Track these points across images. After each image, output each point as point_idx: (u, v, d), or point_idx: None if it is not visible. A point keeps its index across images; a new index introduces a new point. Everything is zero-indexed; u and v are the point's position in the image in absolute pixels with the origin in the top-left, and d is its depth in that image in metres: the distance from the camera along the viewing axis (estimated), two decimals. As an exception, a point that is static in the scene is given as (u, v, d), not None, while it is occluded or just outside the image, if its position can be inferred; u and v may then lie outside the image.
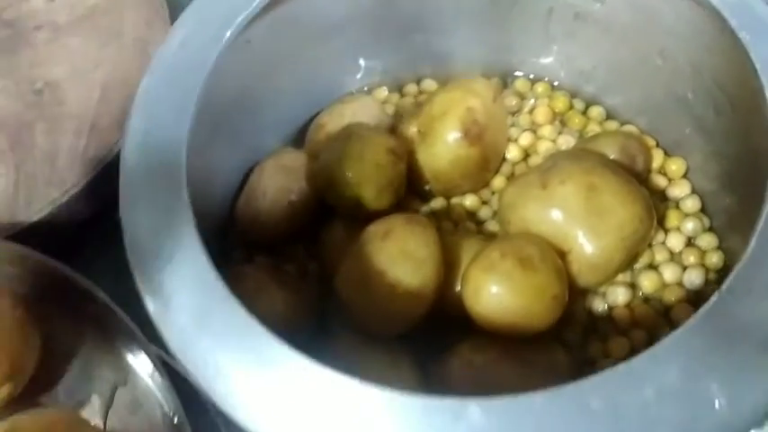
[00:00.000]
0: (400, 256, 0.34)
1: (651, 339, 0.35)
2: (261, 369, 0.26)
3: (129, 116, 0.33)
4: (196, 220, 0.30)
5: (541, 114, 0.44)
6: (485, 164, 0.41)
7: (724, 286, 0.26)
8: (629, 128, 0.43)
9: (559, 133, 0.44)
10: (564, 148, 0.43)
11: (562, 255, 0.35)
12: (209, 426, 0.38)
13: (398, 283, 0.33)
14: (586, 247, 0.34)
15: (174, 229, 0.29)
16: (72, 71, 0.51)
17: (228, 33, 0.34)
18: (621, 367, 0.25)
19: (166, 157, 0.31)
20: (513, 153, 0.43)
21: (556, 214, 0.35)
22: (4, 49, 0.52)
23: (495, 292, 0.33)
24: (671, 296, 0.37)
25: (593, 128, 0.44)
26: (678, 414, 0.24)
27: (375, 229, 0.35)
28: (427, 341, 0.35)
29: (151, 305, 0.28)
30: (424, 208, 0.42)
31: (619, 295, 0.37)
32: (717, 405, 0.24)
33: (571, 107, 0.45)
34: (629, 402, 0.24)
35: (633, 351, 0.35)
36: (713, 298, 0.26)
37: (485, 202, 0.42)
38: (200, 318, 0.27)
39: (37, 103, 0.50)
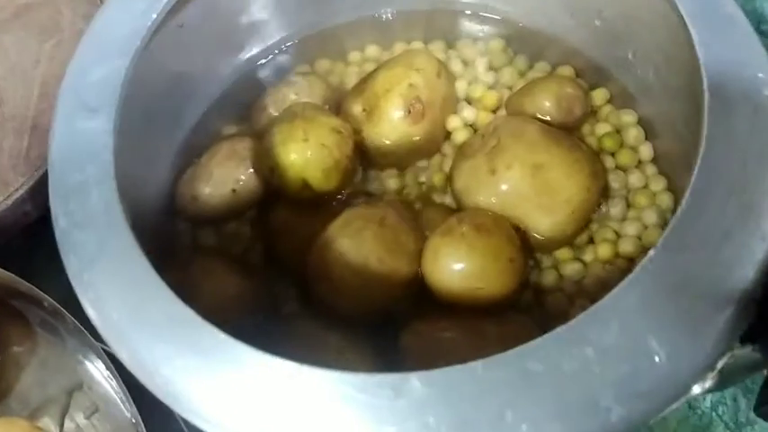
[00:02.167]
0: (395, 245, 0.35)
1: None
2: (199, 359, 0.26)
3: (55, 106, 0.32)
4: (129, 208, 0.30)
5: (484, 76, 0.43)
6: (431, 139, 0.41)
7: (660, 241, 0.26)
8: (564, 69, 0.43)
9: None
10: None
11: (517, 231, 0.35)
12: (172, 425, 0.37)
13: (390, 269, 0.34)
14: (539, 224, 0.36)
15: (105, 221, 0.28)
16: (9, 70, 0.49)
17: (155, 16, 0.33)
18: (561, 329, 0.25)
19: (94, 148, 0.30)
20: (455, 123, 0.42)
21: (506, 199, 0.36)
22: (-61, 51, 0.51)
23: (451, 254, 0.33)
24: (629, 247, 0.37)
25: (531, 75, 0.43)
26: (619, 371, 0.24)
27: (366, 213, 0.36)
28: (387, 321, 0.35)
29: (85, 301, 0.27)
30: (377, 185, 0.41)
31: (578, 261, 0.37)
32: (657, 359, 0.24)
33: (510, 62, 0.44)
34: (570, 363, 0.24)
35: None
36: (650, 253, 0.26)
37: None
38: (134, 311, 0.27)
39: (-25, 106, 0.49)
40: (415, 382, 0.23)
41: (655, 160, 0.39)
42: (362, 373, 0.24)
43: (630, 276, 0.25)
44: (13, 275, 0.38)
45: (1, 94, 0.49)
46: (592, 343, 0.24)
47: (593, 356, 0.24)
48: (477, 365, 0.24)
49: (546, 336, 0.25)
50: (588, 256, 0.37)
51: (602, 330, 0.24)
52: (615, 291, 0.25)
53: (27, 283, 0.37)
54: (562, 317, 0.35)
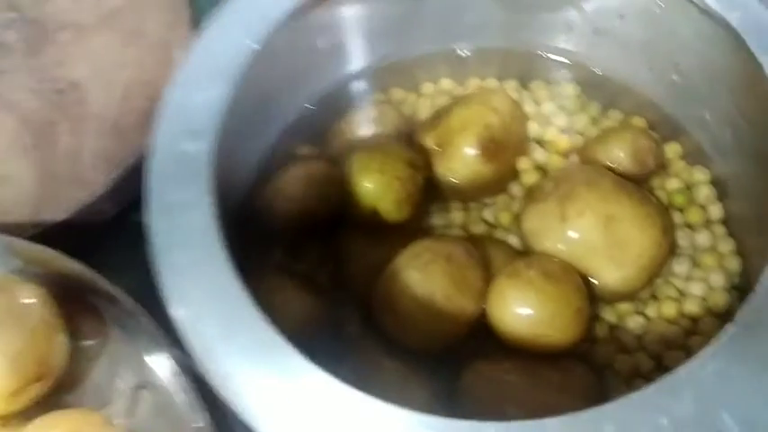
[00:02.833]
0: (462, 282, 0.35)
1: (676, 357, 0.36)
2: (283, 383, 0.27)
3: (156, 120, 0.34)
4: (221, 225, 0.31)
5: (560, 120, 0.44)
6: (500, 178, 0.42)
7: (737, 316, 0.27)
8: (637, 120, 0.44)
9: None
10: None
11: (584, 281, 0.36)
12: (227, 428, 0.38)
13: (455, 306, 0.35)
14: (607, 277, 0.36)
15: (201, 241, 0.30)
16: (95, 71, 0.52)
17: (255, 46, 0.35)
18: (636, 395, 0.25)
19: (195, 169, 0.32)
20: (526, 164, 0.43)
21: (576, 247, 0.36)
22: (29, 49, 0.53)
23: (518, 298, 0.34)
24: (693, 307, 0.37)
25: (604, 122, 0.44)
26: (691, 443, 0.24)
27: (434, 246, 0.36)
28: (447, 355, 0.36)
29: (177, 313, 0.29)
30: (440, 219, 0.42)
31: (641, 315, 0.38)
32: (730, 435, 0.24)
33: (583, 108, 0.45)
34: (644, 430, 0.25)
35: (661, 369, 0.36)
36: (727, 327, 0.27)
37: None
38: (226, 329, 0.28)
39: (60, 103, 0.51)
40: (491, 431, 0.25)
41: (725, 221, 0.39)
42: (444, 417, 0.25)
43: (707, 348, 0.26)
44: (94, 272, 0.39)
45: (86, 95, 0.51)
46: (666, 412, 0.25)
47: (667, 426, 0.25)
48: (554, 423, 0.25)
49: (621, 400, 0.25)
50: (651, 312, 0.38)
51: (677, 400, 0.25)
52: (691, 362, 0.26)
53: (107, 282, 0.39)
54: (621, 370, 0.36)
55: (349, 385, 0.27)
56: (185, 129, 0.33)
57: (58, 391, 0.38)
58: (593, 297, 0.37)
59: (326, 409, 0.27)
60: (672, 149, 0.42)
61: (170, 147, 0.33)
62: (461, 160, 0.40)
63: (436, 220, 0.42)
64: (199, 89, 0.34)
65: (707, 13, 0.37)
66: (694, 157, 0.42)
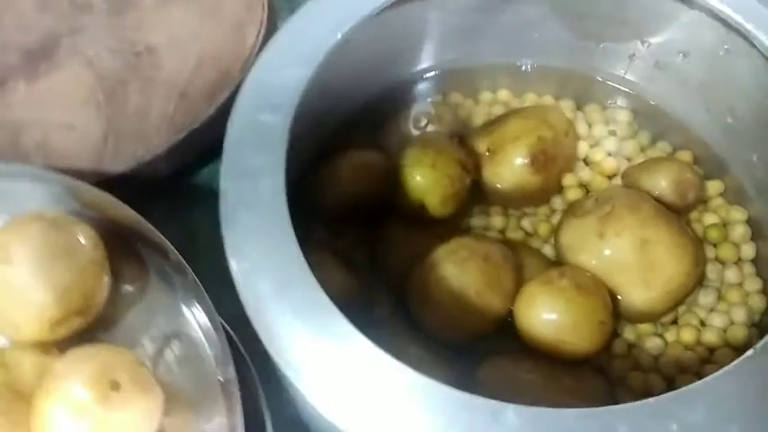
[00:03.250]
0: (495, 282, 0.37)
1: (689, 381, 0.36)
2: (327, 344, 0.29)
3: (239, 97, 0.36)
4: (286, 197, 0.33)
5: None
6: (545, 190, 0.43)
7: (760, 344, 0.28)
8: (683, 154, 0.45)
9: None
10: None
11: (611, 297, 0.37)
12: (247, 390, 0.40)
13: (485, 304, 0.36)
14: (634, 296, 0.37)
15: (269, 205, 0.32)
16: (171, 39, 0.54)
17: (340, 36, 0.37)
18: (650, 401, 0.27)
19: (271, 140, 0.34)
20: (570, 181, 0.44)
21: (609, 264, 0.37)
22: (113, 10, 0.56)
23: (547, 303, 0.36)
24: (712, 337, 0.38)
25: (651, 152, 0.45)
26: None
27: (473, 245, 0.38)
28: (470, 348, 0.38)
29: (235, 266, 0.31)
30: (480, 221, 0.44)
31: (660, 337, 0.39)
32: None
33: (633, 135, 0.46)
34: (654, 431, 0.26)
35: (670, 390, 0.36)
36: (748, 353, 0.28)
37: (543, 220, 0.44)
38: (279, 288, 0.30)
39: (135, 65, 0.53)
40: (510, 413, 0.26)
41: (755, 261, 0.40)
42: (467, 393, 0.27)
43: (726, 368, 0.27)
44: (147, 223, 0.41)
45: (160, 60, 0.54)
46: (677, 419, 0.26)
47: (676, 430, 0.26)
48: (569, 413, 0.26)
49: (636, 403, 0.27)
50: (670, 336, 0.39)
51: (689, 410, 0.26)
52: (708, 378, 0.27)
53: (158, 233, 0.40)
54: (633, 387, 0.37)
55: (388, 354, 0.29)
56: (266, 102, 0.35)
57: (94, 329, 0.40)
58: (617, 314, 0.38)
59: (364, 373, 0.29)
60: (714, 186, 0.43)
61: (250, 116, 0.35)
62: (510, 168, 0.42)
63: (476, 221, 0.43)
64: (282, 68, 0.36)
65: (770, 61, 0.38)
66: (735, 196, 0.43)
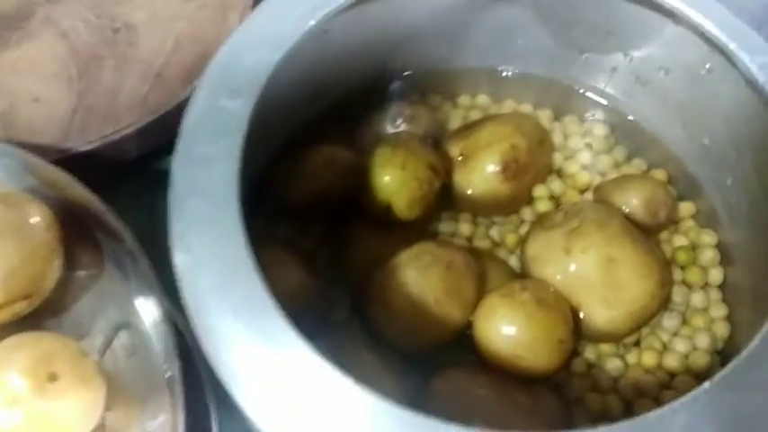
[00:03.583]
0: (455, 291, 0.36)
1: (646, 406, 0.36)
2: (266, 350, 0.28)
3: (203, 74, 0.35)
4: (240, 187, 0.31)
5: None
6: (514, 199, 0.42)
7: (717, 377, 0.27)
8: (658, 172, 0.44)
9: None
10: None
11: (573, 314, 0.36)
12: (195, 385, 0.39)
13: (444, 313, 0.35)
14: (596, 315, 0.37)
15: (220, 195, 0.30)
16: (151, 17, 0.53)
17: (312, 23, 0.36)
18: (603, 429, 0.26)
19: (228, 127, 0.32)
20: (541, 192, 0.43)
21: (573, 280, 0.37)
22: (94, -18, 0.54)
23: (506, 316, 0.35)
24: (673, 362, 0.38)
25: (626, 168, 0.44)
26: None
27: (436, 251, 0.37)
28: (425, 358, 0.37)
29: (179, 259, 0.30)
30: (448, 227, 0.43)
31: (621, 359, 0.38)
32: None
33: (609, 150, 0.45)
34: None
35: (629, 414, 0.36)
36: (704, 385, 0.27)
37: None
38: (221, 284, 0.29)
39: (112, 41, 0.52)
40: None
41: (722, 287, 0.40)
42: (409, 410, 0.26)
43: (681, 399, 0.26)
44: (105, 207, 0.40)
45: (138, 38, 0.52)
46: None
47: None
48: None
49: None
50: (631, 358, 0.38)
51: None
52: (662, 409, 0.26)
53: (115, 218, 0.39)
54: (590, 407, 0.37)
55: (329, 363, 0.28)
56: (228, 87, 0.33)
57: (41, 315, 0.39)
58: (578, 332, 0.37)
59: (302, 383, 0.27)
60: (686, 208, 0.42)
61: (210, 101, 0.33)
62: (481, 174, 0.41)
63: (444, 226, 0.42)
64: (248, 52, 0.35)
65: (751, 83, 0.37)
66: (706, 219, 0.42)
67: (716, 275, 0.40)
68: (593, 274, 0.36)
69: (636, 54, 0.44)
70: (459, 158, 0.42)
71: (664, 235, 0.42)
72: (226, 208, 0.30)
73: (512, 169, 0.41)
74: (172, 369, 0.36)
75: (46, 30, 0.52)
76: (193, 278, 0.29)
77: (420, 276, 0.36)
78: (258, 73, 0.34)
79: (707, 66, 0.40)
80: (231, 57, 0.35)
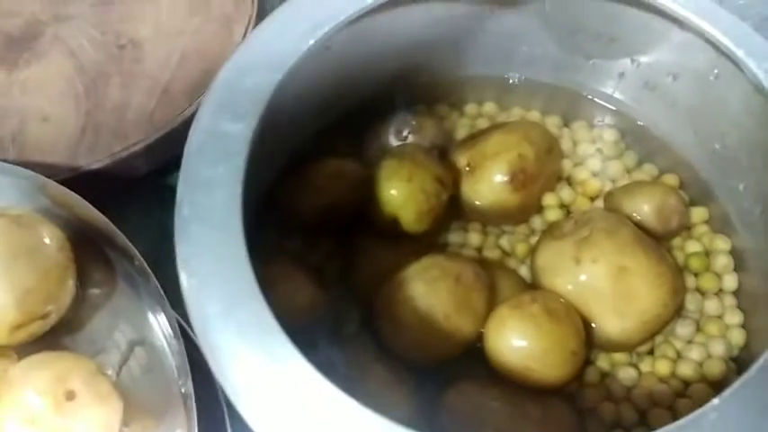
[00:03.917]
0: (465, 304, 0.36)
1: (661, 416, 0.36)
2: (272, 372, 0.28)
3: (205, 97, 0.35)
4: (245, 207, 0.32)
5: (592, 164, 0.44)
6: (524, 209, 0.42)
7: (716, 400, 0.27)
8: (669, 178, 0.44)
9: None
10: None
11: (585, 324, 0.36)
12: (211, 398, 0.39)
13: (453, 327, 0.35)
14: (608, 325, 0.36)
15: (223, 220, 0.30)
16: (156, 33, 0.53)
17: (312, 42, 0.36)
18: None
19: (230, 150, 0.33)
20: (551, 200, 0.43)
21: (583, 291, 0.36)
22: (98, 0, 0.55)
23: (517, 329, 0.35)
24: (688, 371, 0.37)
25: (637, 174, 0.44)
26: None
27: (445, 264, 0.37)
28: (436, 371, 0.36)
29: (185, 282, 0.30)
30: (457, 237, 0.43)
31: (634, 368, 0.38)
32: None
33: (619, 156, 0.45)
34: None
35: (643, 424, 0.36)
36: (712, 401, 0.27)
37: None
38: (227, 306, 0.29)
39: (118, 57, 0.52)
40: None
41: (737, 293, 0.39)
42: (413, 430, 0.26)
43: (691, 416, 0.26)
44: (114, 227, 0.40)
45: (144, 55, 0.52)
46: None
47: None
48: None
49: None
50: (645, 367, 0.38)
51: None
52: (672, 426, 0.26)
53: (124, 237, 0.39)
54: (604, 418, 0.36)
55: (331, 381, 0.28)
56: (229, 110, 0.33)
57: (57, 333, 0.39)
58: (590, 342, 0.37)
59: (308, 403, 0.28)
60: (698, 213, 0.42)
61: (211, 125, 0.33)
62: (489, 184, 0.41)
63: (453, 237, 0.42)
64: (249, 74, 0.35)
65: (759, 89, 0.37)
66: (720, 224, 0.41)
67: (730, 282, 0.40)
68: (604, 284, 0.36)
69: (643, 60, 0.43)
70: (467, 169, 0.42)
71: (676, 241, 0.41)
72: (229, 232, 0.30)
73: (520, 179, 0.40)
74: (186, 384, 0.36)
75: (54, 49, 0.53)
76: (199, 301, 0.29)
77: (429, 290, 0.36)
78: (259, 95, 0.34)
79: (715, 71, 0.39)
80: (232, 78, 0.35)
